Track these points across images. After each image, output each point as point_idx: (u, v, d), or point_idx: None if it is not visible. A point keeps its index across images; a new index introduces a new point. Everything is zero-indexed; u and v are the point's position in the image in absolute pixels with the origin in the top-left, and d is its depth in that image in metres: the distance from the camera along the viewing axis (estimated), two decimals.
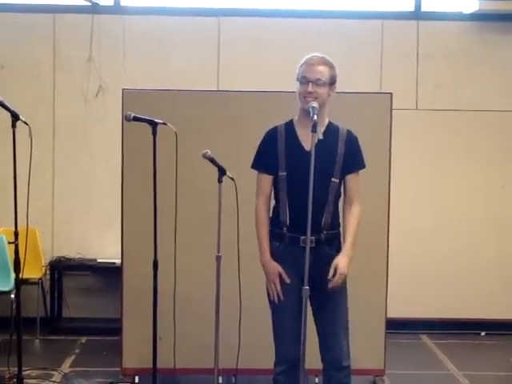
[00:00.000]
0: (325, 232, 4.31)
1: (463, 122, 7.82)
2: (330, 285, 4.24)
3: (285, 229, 4.33)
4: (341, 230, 4.43)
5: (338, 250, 4.37)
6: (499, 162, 7.85)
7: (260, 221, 4.41)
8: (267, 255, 4.38)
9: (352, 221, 4.36)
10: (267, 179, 4.40)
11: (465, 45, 7.85)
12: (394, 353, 6.23)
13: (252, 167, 4.48)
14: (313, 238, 4.18)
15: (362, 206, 4.44)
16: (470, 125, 7.83)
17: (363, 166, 4.44)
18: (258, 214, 4.42)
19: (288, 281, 4.30)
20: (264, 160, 4.41)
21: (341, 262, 4.26)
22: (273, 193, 4.44)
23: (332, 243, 4.36)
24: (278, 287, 4.32)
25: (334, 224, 4.38)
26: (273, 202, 4.46)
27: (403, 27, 7.84)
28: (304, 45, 7.35)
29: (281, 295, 4.31)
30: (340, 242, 4.41)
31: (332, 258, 4.31)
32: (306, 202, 3.97)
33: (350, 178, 4.37)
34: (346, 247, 4.31)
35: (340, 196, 4.40)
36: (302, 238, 4.13)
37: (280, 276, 4.32)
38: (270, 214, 4.44)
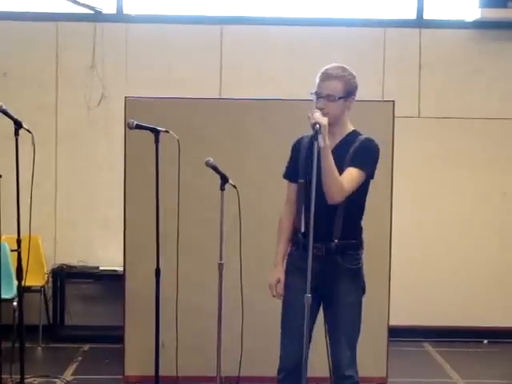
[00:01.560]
0: (336, 241, 4.25)
1: (465, 129, 7.82)
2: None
3: (300, 235, 4.32)
4: (358, 242, 4.34)
5: (355, 262, 4.31)
6: (501, 169, 7.85)
7: (280, 226, 4.45)
8: (276, 260, 4.40)
9: None
10: (291, 187, 4.42)
11: (467, 53, 7.86)
12: (396, 361, 6.23)
13: (282, 177, 4.50)
14: (321, 245, 4.20)
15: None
16: (472, 132, 7.83)
17: (363, 167, 4.22)
18: (280, 220, 4.46)
19: (281, 292, 4.35)
20: (289, 169, 4.46)
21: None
22: None
23: (345, 254, 4.28)
24: (273, 292, 4.37)
25: (348, 234, 4.29)
26: None
27: (405, 35, 7.85)
28: (306, 53, 7.42)
29: (277, 297, 4.36)
30: (357, 254, 4.32)
31: (345, 269, 4.27)
32: (318, 210, 3.97)
33: (346, 170, 4.19)
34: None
35: (355, 205, 4.29)
36: (313, 245, 4.10)
37: (286, 281, 4.34)
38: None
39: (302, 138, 4.43)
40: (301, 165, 4.34)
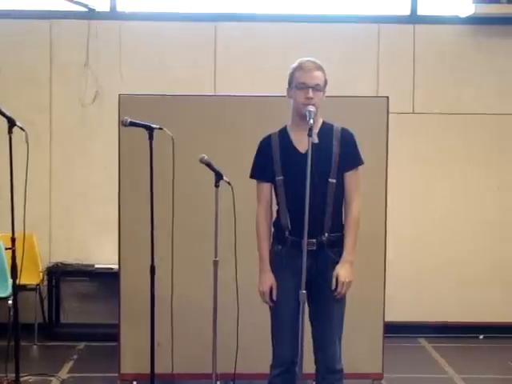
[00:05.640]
0: (327, 234, 4.29)
1: (459, 125, 7.83)
2: (337, 296, 4.28)
3: (287, 232, 4.33)
4: (342, 234, 4.38)
5: (341, 255, 4.34)
6: (495, 164, 7.86)
7: (260, 229, 4.42)
8: (264, 265, 4.39)
9: (349, 223, 4.34)
10: (265, 187, 4.41)
11: (461, 48, 7.86)
12: (392, 356, 6.22)
13: (250, 177, 4.49)
14: (314, 240, 4.23)
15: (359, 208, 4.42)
16: (466, 128, 7.84)
17: (360, 163, 4.41)
18: (257, 222, 4.43)
19: (275, 298, 4.33)
20: (261, 168, 4.43)
21: (341, 270, 4.27)
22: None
23: (335, 247, 4.33)
24: (267, 299, 4.36)
25: (337, 226, 4.35)
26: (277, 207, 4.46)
27: (399, 31, 7.86)
28: (301, 49, 7.32)
29: (270, 303, 4.36)
30: (342, 247, 4.37)
31: (334, 263, 4.30)
32: (304, 205, 3.98)
33: (348, 176, 4.35)
34: (345, 252, 4.31)
35: (341, 198, 4.36)
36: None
37: (277, 279, 4.33)
38: (274, 219, 4.44)
39: (270, 136, 4.45)
40: (276, 162, 4.35)
